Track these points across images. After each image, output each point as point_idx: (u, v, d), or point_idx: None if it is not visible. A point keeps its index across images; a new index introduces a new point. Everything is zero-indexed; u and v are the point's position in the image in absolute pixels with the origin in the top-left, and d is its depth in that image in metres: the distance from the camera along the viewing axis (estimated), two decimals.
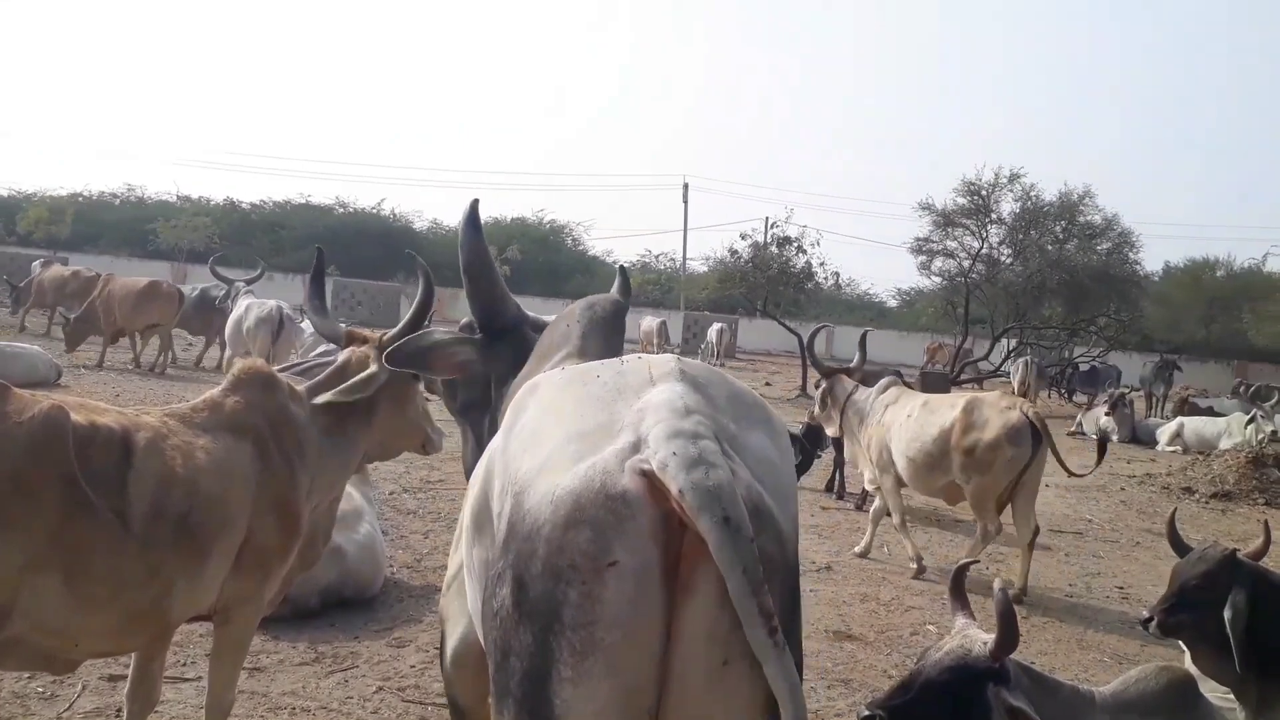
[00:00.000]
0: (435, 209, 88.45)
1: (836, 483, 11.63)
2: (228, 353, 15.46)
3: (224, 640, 3.63)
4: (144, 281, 17.69)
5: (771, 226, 28.00)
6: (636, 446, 1.86)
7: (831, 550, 9.08)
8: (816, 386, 10.08)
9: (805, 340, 15.58)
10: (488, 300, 3.25)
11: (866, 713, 3.15)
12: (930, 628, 6.88)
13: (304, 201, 54.96)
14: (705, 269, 35.35)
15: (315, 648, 5.43)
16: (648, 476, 1.81)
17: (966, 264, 24.58)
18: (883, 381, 9.32)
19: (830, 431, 10.10)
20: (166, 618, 3.30)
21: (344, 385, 3.84)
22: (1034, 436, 7.85)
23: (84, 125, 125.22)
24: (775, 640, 1.74)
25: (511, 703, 1.88)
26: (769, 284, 26.37)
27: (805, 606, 6.99)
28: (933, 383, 18.95)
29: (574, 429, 1.97)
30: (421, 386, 4.23)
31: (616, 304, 2.94)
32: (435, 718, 4.76)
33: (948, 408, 8.29)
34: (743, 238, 27.71)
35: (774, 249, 27.01)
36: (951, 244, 25.19)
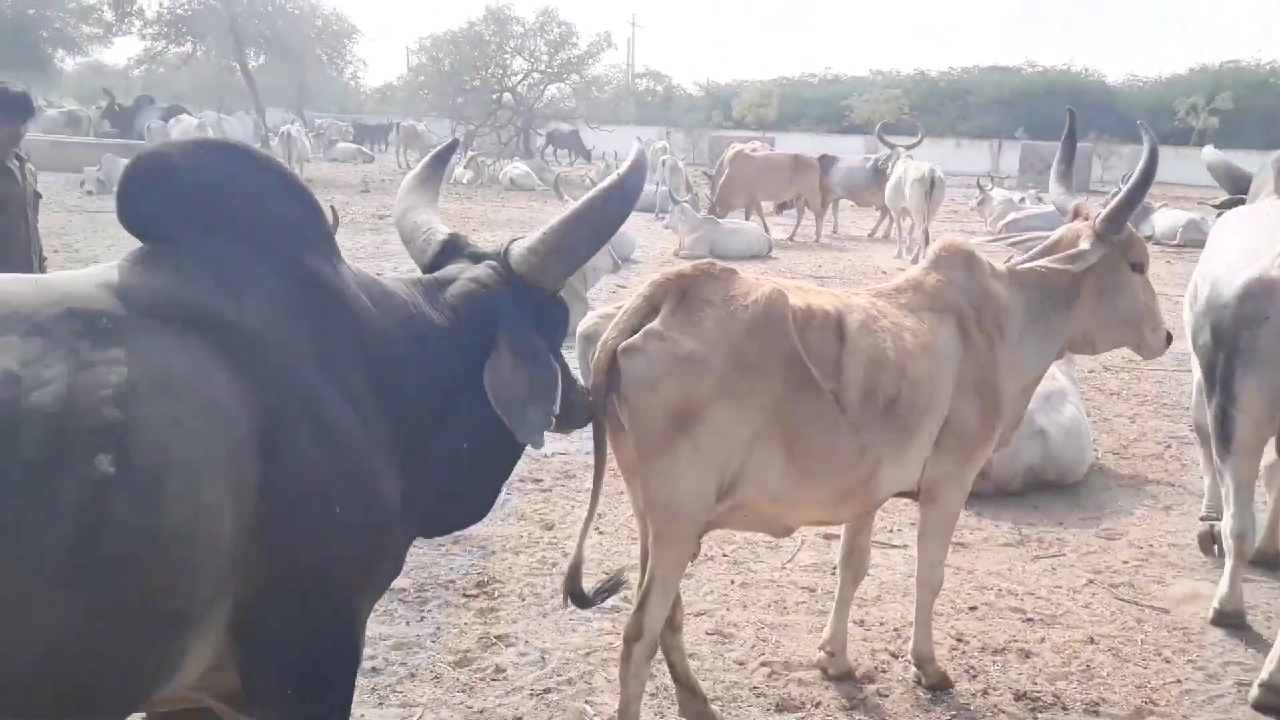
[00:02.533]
0: (1129, 60, 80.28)
1: None
2: (889, 217, 16.34)
3: (931, 520, 3.65)
4: (788, 155, 18.72)
5: None
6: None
7: None
8: None
9: None
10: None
11: None
12: None
13: (991, 65, 53.47)
14: None
15: (1019, 530, 5.32)
16: None
17: None
18: None
19: None
20: (872, 497, 3.39)
21: (1043, 260, 3.66)
22: None
23: (785, 13, 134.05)
24: None
25: (1216, 389, 4.09)
26: None
27: None
28: None
29: (1249, 245, 4.14)
30: (1138, 277, 3.75)
31: None
32: (1152, 621, 4.40)
33: None
34: None
35: None
36: None
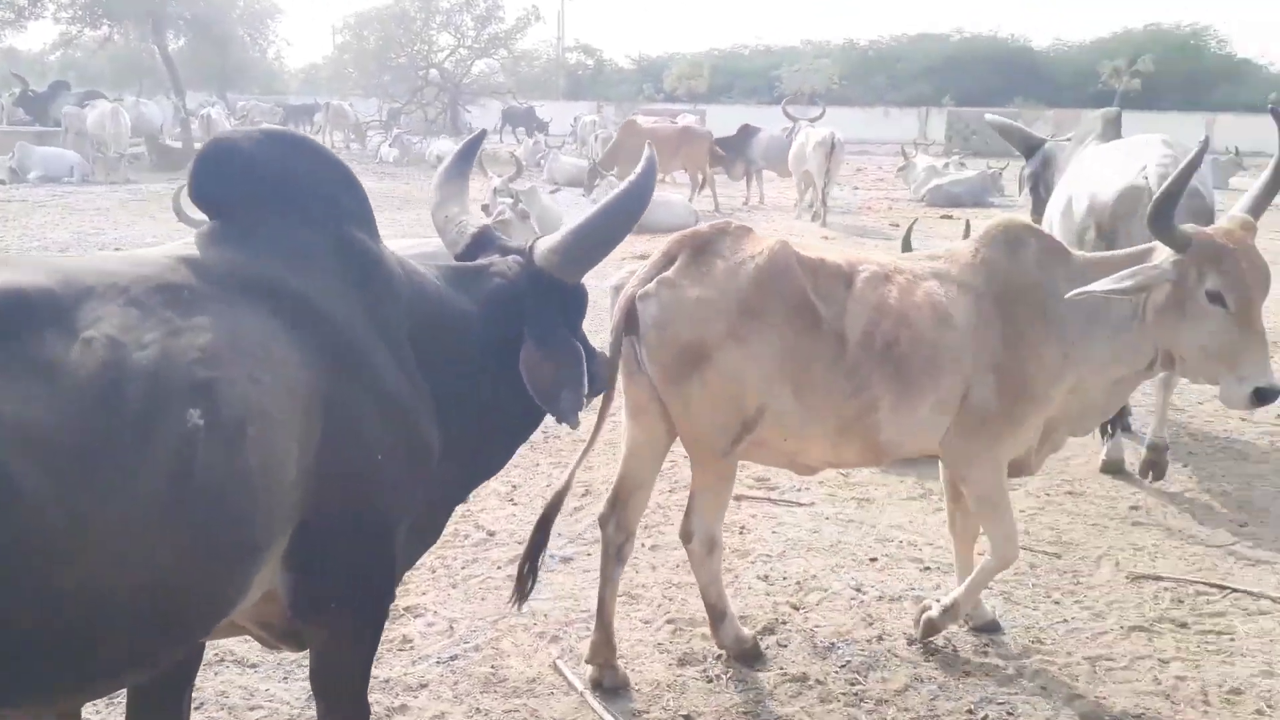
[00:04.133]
0: (1053, 24, 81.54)
1: None
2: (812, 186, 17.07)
3: (972, 500, 3.73)
4: (676, 127, 19.13)
5: None
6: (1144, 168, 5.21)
7: None
8: None
9: None
10: None
11: None
12: None
13: (919, 34, 54.06)
14: None
15: (923, 484, 5.47)
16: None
17: None
18: None
19: None
20: (878, 440, 3.52)
21: (1102, 283, 3.33)
22: None
23: None
24: None
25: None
26: None
27: None
28: None
29: (1117, 166, 5.54)
30: (1215, 309, 3.28)
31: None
32: (1044, 565, 4.58)
33: None
34: None
35: None
36: None
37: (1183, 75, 44.89)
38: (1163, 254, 3.38)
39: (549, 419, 2.73)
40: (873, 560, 4.61)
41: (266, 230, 2.25)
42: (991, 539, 3.71)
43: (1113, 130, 6.49)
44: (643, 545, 4.70)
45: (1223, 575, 4.49)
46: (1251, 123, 37.86)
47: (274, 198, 2.28)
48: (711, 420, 3.43)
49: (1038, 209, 6.89)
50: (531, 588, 3.45)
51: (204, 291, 2.05)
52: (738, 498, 5.08)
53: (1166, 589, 4.35)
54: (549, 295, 2.67)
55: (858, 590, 4.30)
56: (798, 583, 4.38)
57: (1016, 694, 3.59)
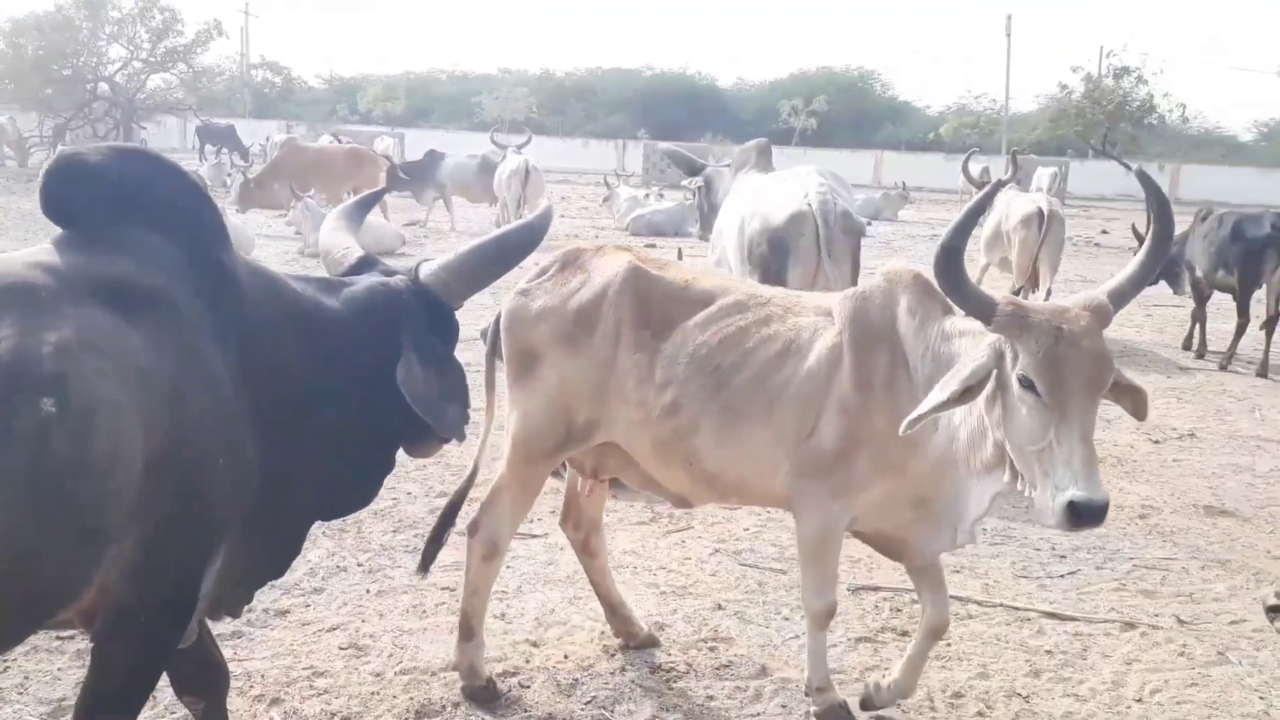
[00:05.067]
0: (739, 67, 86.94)
1: (1197, 340, 10.47)
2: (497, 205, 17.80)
3: (798, 540, 3.48)
4: (344, 149, 19.23)
5: (1108, 55, 25.39)
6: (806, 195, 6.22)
7: (1194, 416, 8.20)
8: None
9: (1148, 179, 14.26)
10: None
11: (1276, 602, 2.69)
12: None
13: (613, 67, 55.81)
14: (1035, 107, 32.73)
15: (651, 508, 5.49)
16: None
17: None
18: None
19: None
20: (702, 465, 3.39)
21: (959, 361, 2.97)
22: None
23: (410, 7, 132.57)
24: None
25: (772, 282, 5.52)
26: (1107, 119, 24.03)
27: (1170, 478, 6.44)
28: None
29: (785, 194, 6.48)
30: (1028, 396, 2.74)
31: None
32: (772, 583, 4.69)
33: None
34: (1074, 70, 25.39)
35: (1110, 80, 24.54)
36: None
37: (853, 115, 48.96)
38: (990, 338, 2.87)
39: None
40: None
41: (115, 237, 2.36)
42: (806, 591, 3.45)
43: (765, 159, 7.40)
44: (368, 591, 4.41)
45: None
46: (914, 160, 42.02)
47: (120, 207, 2.40)
48: (539, 422, 3.54)
49: (705, 225, 8.09)
50: (432, 558, 3.67)
51: (56, 290, 2.17)
52: (459, 533, 4.88)
53: (885, 599, 4.57)
54: (429, 314, 2.77)
55: (598, 622, 4.21)
56: (536, 619, 4.24)
57: (760, 714, 3.63)
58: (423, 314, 2.75)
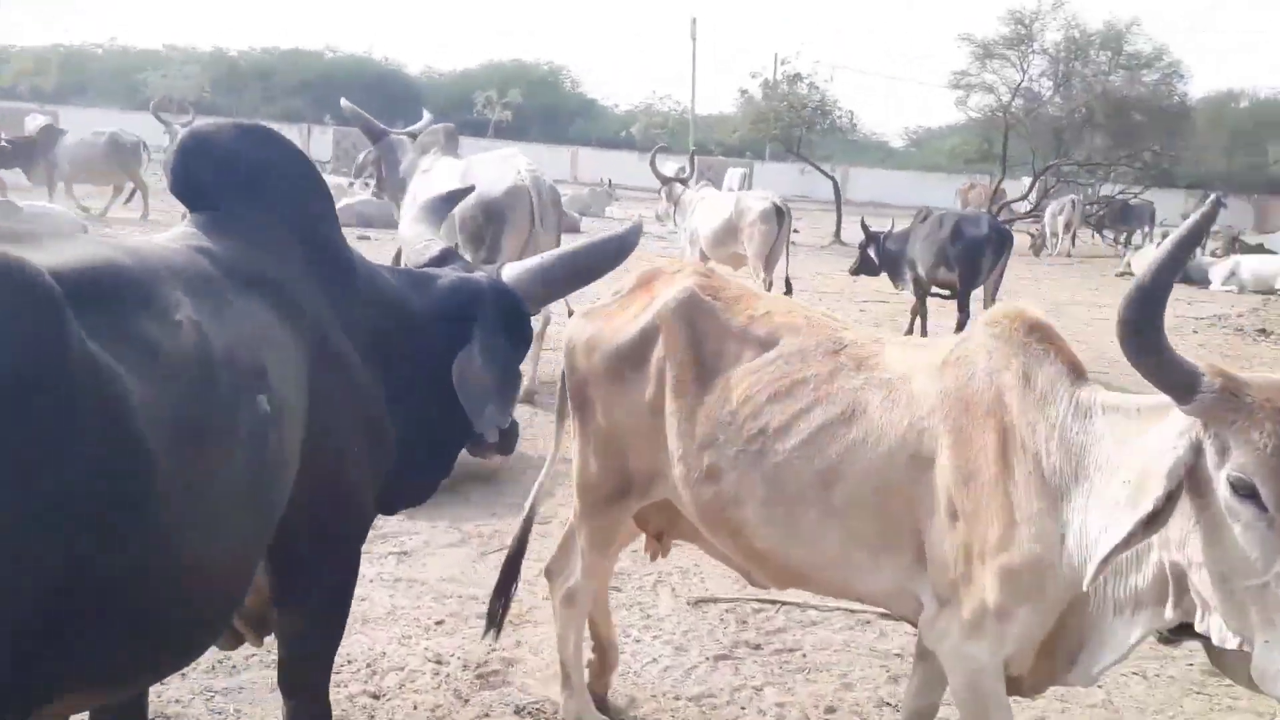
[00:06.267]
0: (428, 53, 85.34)
1: (917, 333, 11.21)
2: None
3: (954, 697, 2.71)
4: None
5: (781, 63, 27.06)
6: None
7: None
8: None
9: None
10: None
11: None
12: None
13: (292, 48, 53.01)
14: (732, 110, 34.25)
15: (458, 527, 5.07)
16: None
17: (1006, 98, 23.67)
18: None
19: None
20: (753, 544, 2.82)
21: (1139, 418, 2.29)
22: None
23: None
24: None
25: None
26: (794, 123, 25.58)
27: None
28: None
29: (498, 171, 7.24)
30: (1245, 508, 1.97)
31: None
32: (612, 602, 4.39)
33: None
34: (752, 76, 26.88)
35: (784, 87, 26.21)
36: (990, 77, 24.29)
37: (546, 110, 49.24)
38: (1179, 423, 2.09)
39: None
40: (439, 624, 4.09)
41: (248, 222, 2.28)
42: None
43: (452, 144, 7.89)
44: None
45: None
46: (608, 157, 42.81)
47: (250, 188, 2.32)
48: (592, 467, 3.15)
49: (381, 187, 8.40)
50: (503, 620, 3.48)
51: (222, 282, 2.08)
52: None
53: (728, 610, 4.40)
54: (504, 314, 2.68)
55: (438, 663, 3.77)
56: (368, 665, 3.73)
57: None
58: (498, 313, 2.67)
